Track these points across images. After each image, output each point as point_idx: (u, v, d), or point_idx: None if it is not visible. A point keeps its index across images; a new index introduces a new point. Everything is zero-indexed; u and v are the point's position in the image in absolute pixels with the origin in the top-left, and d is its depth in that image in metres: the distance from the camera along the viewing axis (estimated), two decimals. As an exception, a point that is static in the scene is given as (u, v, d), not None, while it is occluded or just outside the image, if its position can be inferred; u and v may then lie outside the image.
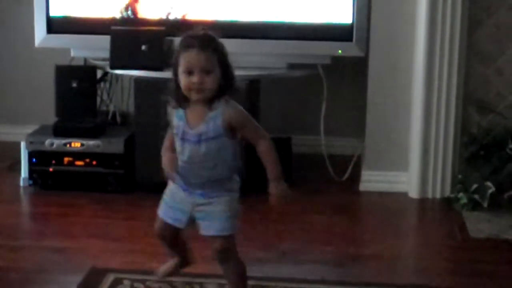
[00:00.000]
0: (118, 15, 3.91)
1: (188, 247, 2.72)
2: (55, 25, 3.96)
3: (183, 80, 2.43)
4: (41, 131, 3.96)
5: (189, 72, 2.42)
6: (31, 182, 3.86)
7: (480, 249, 3.27)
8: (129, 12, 3.91)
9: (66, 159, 3.84)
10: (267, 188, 2.50)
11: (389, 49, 3.86)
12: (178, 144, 2.51)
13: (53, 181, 3.85)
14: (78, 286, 2.85)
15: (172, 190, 2.57)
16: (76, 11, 3.95)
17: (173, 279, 2.80)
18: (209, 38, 2.46)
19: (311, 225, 3.51)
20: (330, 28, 3.84)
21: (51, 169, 3.85)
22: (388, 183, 3.93)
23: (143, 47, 3.78)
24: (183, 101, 2.48)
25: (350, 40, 3.82)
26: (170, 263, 2.73)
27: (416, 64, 3.80)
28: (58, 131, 3.87)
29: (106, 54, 3.82)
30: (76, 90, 3.91)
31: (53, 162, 3.85)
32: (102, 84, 4.24)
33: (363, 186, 3.96)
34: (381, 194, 3.89)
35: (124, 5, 3.90)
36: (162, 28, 3.81)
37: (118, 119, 4.33)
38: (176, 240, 2.65)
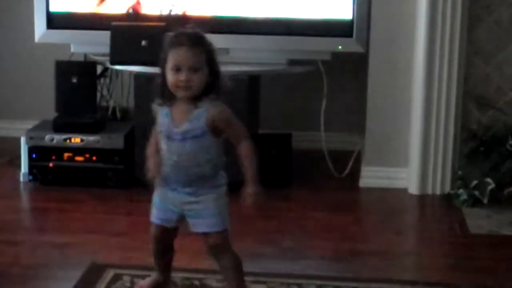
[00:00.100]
0: (120, 11, 3.91)
1: (171, 267, 2.74)
2: (55, 21, 3.95)
3: (170, 77, 2.44)
4: (41, 127, 3.96)
5: (177, 69, 2.43)
6: (31, 177, 3.86)
7: (480, 245, 3.27)
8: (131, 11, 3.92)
9: (66, 155, 3.84)
10: (242, 188, 2.50)
11: (389, 45, 3.85)
12: (163, 142, 2.52)
13: (53, 177, 3.85)
14: (78, 281, 2.85)
15: (161, 192, 2.59)
16: (76, 7, 3.95)
17: (173, 274, 2.81)
18: (199, 36, 2.48)
19: (311, 221, 3.51)
20: (330, 24, 3.84)
21: (51, 165, 3.85)
22: (388, 179, 3.93)
23: (143, 43, 3.78)
24: (168, 98, 2.49)
25: (350, 36, 3.82)
26: (150, 279, 2.75)
27: (416, 60, 3.80)
28: (58, 126, 3.87)
29: (106, 49, 3.82)
30: (76, 85, 3.91)
31: (53, 157, 3.85)
32: (102, 79, 4.24)
33: (363, 182, 3.96)
34: (381, 190, 3.89)
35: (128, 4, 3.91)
36: (163, 23, 3.80)
37: (118, 114, 4.33)
38: (170, 244, 2.67)
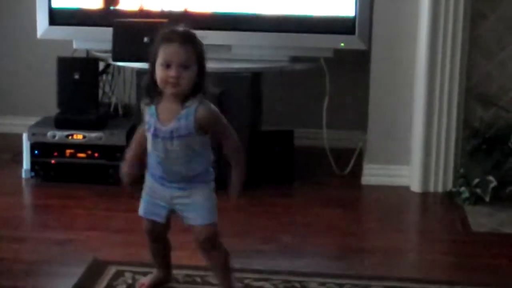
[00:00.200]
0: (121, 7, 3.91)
1: (171, 263, 2.77)
2: (57, 17, 3.95)
3: (160, 73, 2.44)
4: (43, 123, 3.96)
5: (167, 66, 2.43)
6: (33, 174, 3.86)
7: (481, 243, 3.27)
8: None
9: (68, 151, 3.84)
10: (228, 184, 2.55)
11: (391, 42, 3.85)
12: (150, 140, 2.53)
13: (55, 173, 3.85)
14: (80, 278, 2.85)
15: (149, 187, 2.61)
16: (78, 3, 3.95)
17: (174, 271, 2.81)
18: (190, 34, 2.49)
19: (313, 218, 3.51)
20: (332, 21, 3.84)
21: (53, 161, 3.85)
22: (390, 177, 3.93)
23: (146, 39, 3.77)
24: (155, 95, 2.49)
25: (353, 33, 3.82)
26: (151, 276, 2.77)
27: (418, 57, 3.80)
28: (60, 123, 3.87)
29: (109, 46, 3.82)
30: (78, 82, 3.91)
31: (55, 154, 3.85)
32: (104, 76, 4.24)
33: (365, 180, 3.96)
34: (383, 188, 3.89)
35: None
36: (165, 20, 3.79)
37: (120, 111, 4.33)
38: (164, 238, 2.69)
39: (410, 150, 3.91)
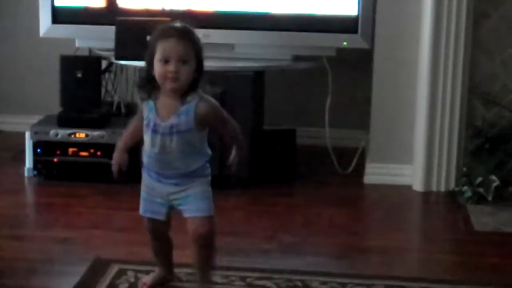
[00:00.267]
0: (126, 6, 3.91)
1: (173, 262, 2.76)
2: (60, 15, 3.95)
3: (158, 68, 2.44)
4: (46, 122, 3.96)
5: (166, 61, 2.43)
6: (35, 172, 3.86)
7: (484, 243, 3.27)
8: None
9: (70, 150, 3.85)
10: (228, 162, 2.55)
11: (394, 41, 3.85)
12: (148, 135, 2.52)
13: (57, 172, 3.85)
14: (82, 276, 2.85)
15: (147, 185, 2.61)
16: (81, 1, 3.95)
17: (177, 270, 2.81)
18: (188, 29, 2.50)
19: (315, 217, 3.51)
20: (335, 19, 3.84)
21: (55, 160, 3.85)
22: (393, 176, 3.93)
23: (148, 38, 3.77)
24: (153, 91, 2.49)
25: (355, 32, 3.81)
26: (153, 274, 2.77)
27: (421, 56, 3.79)
28: (63, 121, 3.87)
29: (111, 44, 3.82)
30: (81, 80, 3.91)
31: (58, 152, 3.85)
32: (107, 74, 4.24)
33: (368, 179, 3.96)
34: (385, 187, 3.89)
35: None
36: (168, 18, 3.79)
37: (123, 110, 4.32)
38: (166, 237, 2.68)
39: (412, 149, 3.90)
